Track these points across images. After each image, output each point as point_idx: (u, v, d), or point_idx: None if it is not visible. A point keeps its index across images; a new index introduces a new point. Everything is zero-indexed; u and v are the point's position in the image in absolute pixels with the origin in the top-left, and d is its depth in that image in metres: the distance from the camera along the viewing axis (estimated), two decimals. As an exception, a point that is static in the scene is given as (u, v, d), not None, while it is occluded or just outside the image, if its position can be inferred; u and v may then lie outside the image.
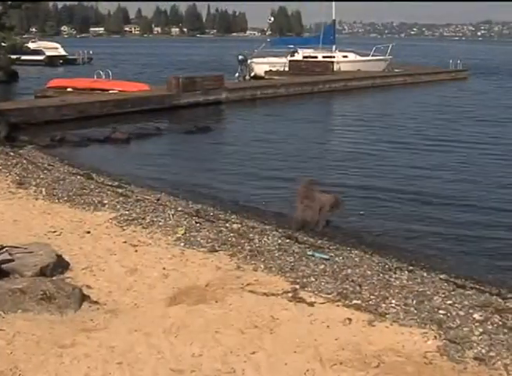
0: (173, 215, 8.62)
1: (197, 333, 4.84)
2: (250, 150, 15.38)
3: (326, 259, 6.95)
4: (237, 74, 33.52)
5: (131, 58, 64.10)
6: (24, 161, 12.35)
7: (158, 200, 9.66)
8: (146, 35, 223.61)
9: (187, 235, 7.65)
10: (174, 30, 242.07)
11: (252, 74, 35.12)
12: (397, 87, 34.45)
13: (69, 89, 24.53)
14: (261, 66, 36.18)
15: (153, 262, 6.60)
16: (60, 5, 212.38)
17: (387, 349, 4.68)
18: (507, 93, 32.13)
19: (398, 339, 4.90)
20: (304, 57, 38.29)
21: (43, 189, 9.85)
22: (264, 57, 37.68)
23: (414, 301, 5.72)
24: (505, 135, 17.90)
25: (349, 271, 6.56)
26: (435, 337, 4.96)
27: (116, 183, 10.87)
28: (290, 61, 36.61)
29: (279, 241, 7.62)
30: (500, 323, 5.31)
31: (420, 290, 6.08)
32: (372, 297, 5.80)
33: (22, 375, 4.11)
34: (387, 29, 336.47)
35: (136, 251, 6.98)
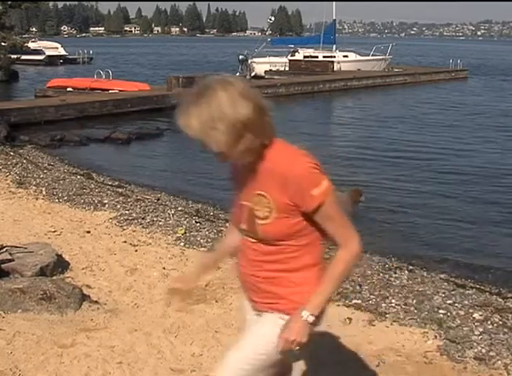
0: (173, 214, 8.61)
1: (197, 333, 4.83)
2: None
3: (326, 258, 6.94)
4: (238, 74, 33.53)
5: (131, 58, 64.07)
6: (24, 161, 12.35)
7: (158, 199, 9.66)
8: (146, 35, 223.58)
9: (187, 235, 7.65)
10: (175, 29, 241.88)
11: (252, 74, 35.13)
12: (397, 86, 34.46)
13: (69, 89, 24.54)
14: (261, 65, 36.20)
15: (153, 261, 6.60)
16: (60, 4, 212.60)
17: (388, 349, 4.68)
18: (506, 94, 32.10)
19: (399, 339, 4.90)
20: (305, 57, 38.30)
21: (43, 189, 9.85)
22: (264, 57, 37.68)
23: (414, 301, 5.72)
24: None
25: (349, 270, 6.54)
26: (435, 336, 4.95)
27: (116, 183, 10.87)
28: (290, 61, 36.63)
29: (279, 241, 7.61)
30: (500, 322, 5.30)
31: (420, 289, 6.07)
32: (372, 296, 5.80)
33: (22, 375, 4.10)
34: (387, 29, 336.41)
35: (136, 250, 6.98)
